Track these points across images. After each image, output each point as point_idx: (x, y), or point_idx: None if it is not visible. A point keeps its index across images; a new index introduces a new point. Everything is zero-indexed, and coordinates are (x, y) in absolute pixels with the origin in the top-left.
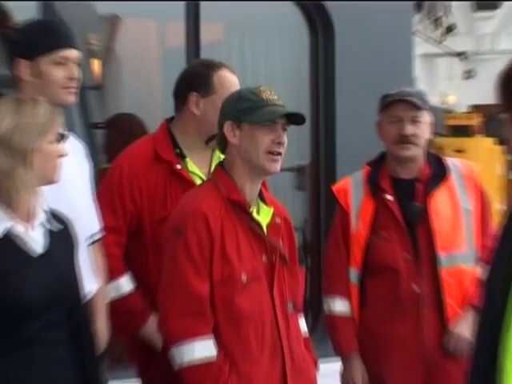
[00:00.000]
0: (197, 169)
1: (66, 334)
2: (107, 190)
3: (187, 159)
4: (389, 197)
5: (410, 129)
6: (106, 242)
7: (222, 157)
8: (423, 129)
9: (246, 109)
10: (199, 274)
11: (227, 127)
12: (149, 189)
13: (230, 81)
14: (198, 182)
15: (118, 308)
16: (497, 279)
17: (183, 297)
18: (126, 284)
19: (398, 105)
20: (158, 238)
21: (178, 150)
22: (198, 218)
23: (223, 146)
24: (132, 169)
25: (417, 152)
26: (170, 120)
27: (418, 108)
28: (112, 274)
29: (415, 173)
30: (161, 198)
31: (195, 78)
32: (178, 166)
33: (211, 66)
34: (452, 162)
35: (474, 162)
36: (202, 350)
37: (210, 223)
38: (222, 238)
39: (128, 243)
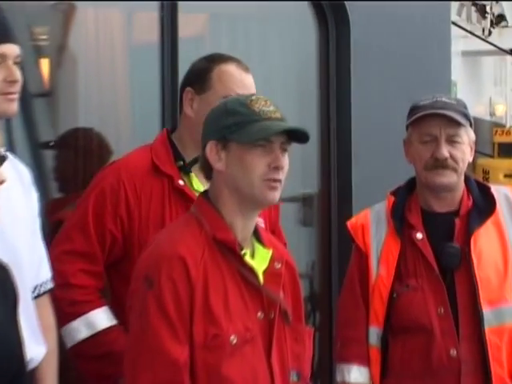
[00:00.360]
0: (202, 187)
1: None
2: (81, 206)
3: (192, 174)
4: (419, 235)
5: (446, 151)
6: (69, 270)
7: None
8: (464, 150)
9: (232, 125)
10: (176, 335)
11: (210, 148)
12: (140, 207)
13: (232, 77)
14: None
15: (91, 350)
16: None
17: (156, 365)
18: (101, 319)
19: (432, 120)
20: None
21: (181, 163)
22: (173, 263)
23: (207, 171)
24: (119, 182)
25: (455, 179)
26: (172, 130)
27: (457, 124)
28: (80, 308)
29: (453, 205)
30: (156, 218)
31: (193, 71)
32: (181, 182)
33: (214, 59)
34: (500, 191)
35: None
36: None
37: (190, 270)
38: (205, 290)
39: (110, 274)
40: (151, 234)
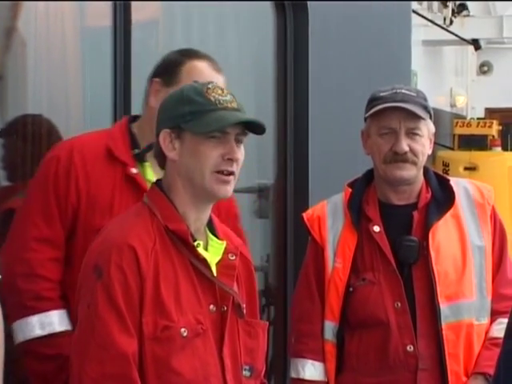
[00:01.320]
0: (155, 176)
1: None
2: (40, 188)
3: (147, 164)
4: (376, 228)
5: (406, 144)
6: (38, 259)
7: None
8: (423, 143)
9: (187, 113)
10: (125, 327)
11: (164, 137)
12: (89, 189)
13: (202, 74)
14: None
15: (42, 349)
16: None
17: (103, 356)
18: (60, 321)
19: (391, 113)
20: None
21: (136, 151)
22: (123, 253)
23: (161, 160)
24: (70, 161)
25: (415, 172)
26: (132, 118)
27: (417, 117)
28: (41, 304)
29: (411, 198)
30: (104, 203)
31: (164, 62)
32: (134, 170)
33: (189, 54)
34: (460, 183)
35: (490, 184)
36: None
37: (140, 260)
38: (155, 280)
39: None
40: (97, 220)
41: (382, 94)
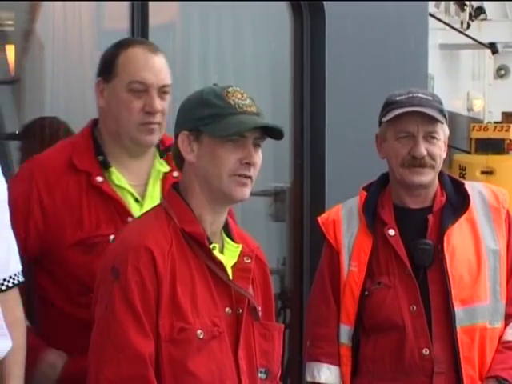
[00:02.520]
0: (126, 183)
1: None
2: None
3: (112, 169)
4: (391, 232)
5: (424, 148)
6: None
7: (163, 171)
8: (440, 146)
9: (206, 117)
10: (141, 328)
11: (182, 139)
12: (55, 206)
13: (136, 61)
14: (130, 199)
15: None
16: None
17: (120, 358)
18: None
19: (409, 117)
20: (71, 269)
21: (101, 158)
22: (140, 254)
23: (179, 162)
24: (33, 182)
25: (433, 176)
26: (96, 121)
27: (434, 121)
28: None
29: (426, 201)
30: (73, 217)
31: (102, 60)
32: (99, 179)
33: (122, 44)
34: (474, 187)
35: (507, 188)
36: None
37: (157, 262)
38: (172, 282)
39: (35, 271)
40: (68, 235)
41: (398, 98)
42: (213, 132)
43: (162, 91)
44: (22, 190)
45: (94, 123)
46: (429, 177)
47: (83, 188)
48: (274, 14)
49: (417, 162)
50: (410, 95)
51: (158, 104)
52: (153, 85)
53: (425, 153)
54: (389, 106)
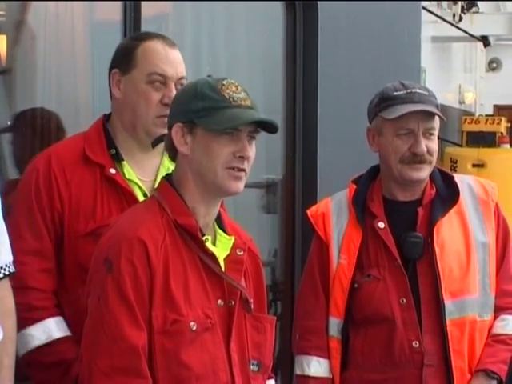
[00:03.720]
0: (135, 177)
1: None
2: (23, 202)
3: (124, 163)
4: (381, 224)
5: (424, 145)
6: (27, 271)
7: (172, 167)
8: (436, 141)
9: (201, 109)
10: (134, 320)
11: (176, 131)
12: (70, 195)
13: (157, 53)
14: (138, 193)
15: (44, 358)
16: None
17: (113, 349)
18: (57, 328)
19: (411, 114)
20: (80, 259)
21: (113, 151)
22: (133, 246)
23: (173, 153)
24: (49, 170)
25: (429, 172)
26: (108, 116)
27: (433, 117)
28: (37, 314)
29: (416, 194)
30: (87, 207)
31: (119, 51)
32: (112, 171)
33: (140, 37)
34: (464, 180)
35: (498, 181)
36: None
37: (150, 254)
38: (165, 274)
39: None
40: (81, 225)
41: (396, 94)
42: (207, 125)
43: (180, 83)
44: (42, 180)
45: (106, 118)
46: (426, 172)
47: (97, 180)
48: (268, 9)
49: (417, 159)
50: (409, 91)
51: None
52: (172, 77)
53: (425, 150)
54: (387, 101)
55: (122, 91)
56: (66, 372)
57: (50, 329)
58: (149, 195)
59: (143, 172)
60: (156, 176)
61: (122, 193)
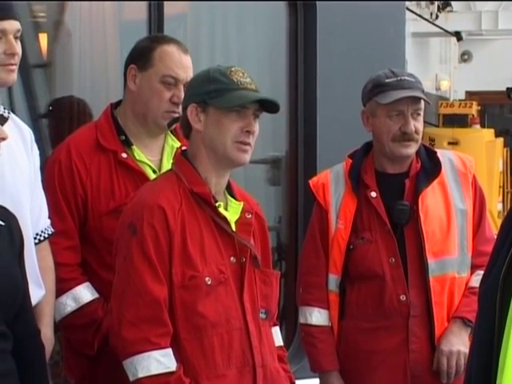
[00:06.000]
0: (145, 157)
1: (10, 343)
2: (48, 190)
3: (134, 147)
4: (373, 194)
5: (413, 125)
6: (55, 249)
7: (176, 146)
8: (421, 121)
9: (213, 91)
10: (156, 276)
11: (191, 110)
12: (91, 180)
13: (173, 57)
14: (149, 171)
15: (77, 321)
16: (493, 288)
17: (138, 302)
18: (84, 293)
19: (401, 98)
20: (105, 234)
21: (123, 137)
22: (154, 212)
23: (187, 131)
24: (70, 160)
25: (416, 148)
26: (116, 104)
27: (420, 100)
28: (67, 284)
29: (404, 167)
30: (106, 189)
31: (137, 49)
32: (124, 155)
33: (158, 39)
34: (445, 155)
35: (471, 156)
36: (158, 364)
37: (169, 218)
38: (182, 236)
39: None
40: (103, 205)
41: (387, 81)
42: (218, 104)
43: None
44: (65, 170)
45: (113, 106)
46: (414, 149)
47: (112, 164)
48: (273, 10)
49: (406, 137)
50: (399, 78)
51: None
52: (182, 80)
53: (414, 129)
54: (379, 87)
55: (137, 85)
56: (98, 329)
57: (80, 296)
58: (157, 171)
59: (150, 152)
60: (162, 154)
61: (134, 173)
